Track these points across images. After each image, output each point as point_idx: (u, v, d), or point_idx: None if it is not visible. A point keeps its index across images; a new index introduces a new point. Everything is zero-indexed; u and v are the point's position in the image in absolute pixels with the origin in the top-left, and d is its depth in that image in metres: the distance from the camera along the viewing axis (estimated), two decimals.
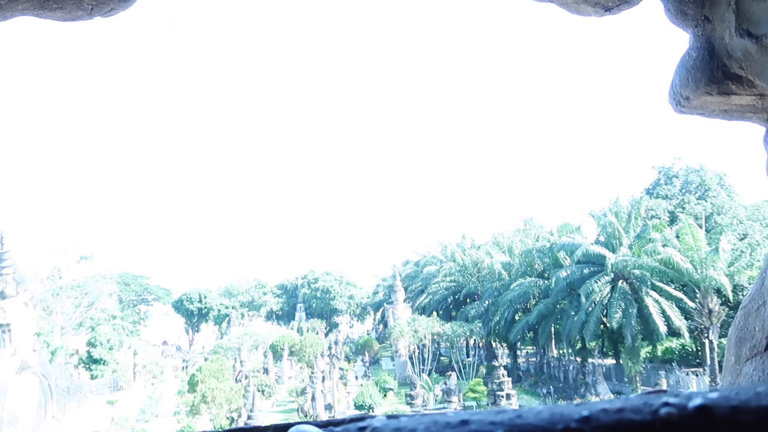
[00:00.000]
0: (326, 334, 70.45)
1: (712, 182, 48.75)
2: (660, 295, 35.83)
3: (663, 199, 48.26)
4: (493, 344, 51.14)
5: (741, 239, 39.35)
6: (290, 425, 1.02)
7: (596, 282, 36.57)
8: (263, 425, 1.09)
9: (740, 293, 34.28)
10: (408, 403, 36.67)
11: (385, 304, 64.32)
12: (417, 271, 64.47)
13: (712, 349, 32.07)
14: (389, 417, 0.98)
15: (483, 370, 45.66)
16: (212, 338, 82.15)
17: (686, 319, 35.10)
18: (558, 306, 40.81)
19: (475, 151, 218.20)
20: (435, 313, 53.20)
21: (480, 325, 45.15)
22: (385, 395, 39.06)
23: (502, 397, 32.38)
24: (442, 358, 52.93)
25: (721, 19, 2.84)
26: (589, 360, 40.22)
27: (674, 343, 40.06)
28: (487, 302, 46.64)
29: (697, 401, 0.85)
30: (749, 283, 33.85)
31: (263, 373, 48.37)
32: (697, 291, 33.74)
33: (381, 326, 72.41)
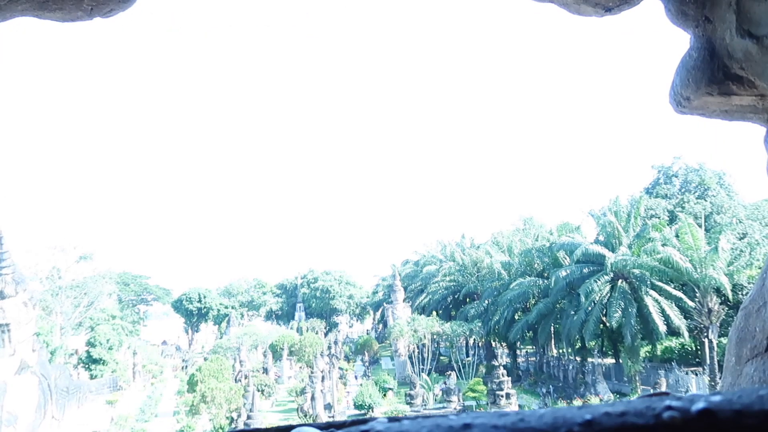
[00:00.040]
0: (326, 334, 70.51)
1: (712, 181, 48.77)
2: (659, 295, 35.85)
3: (662, 199, 48.29)
4: (493, 344, 51.14)
5: (740, 238, 39.37)
6: (291, 427, 1.01)
7: (596, 281, 36.59)
8: (264, 427, 1.09)
9: (740, 292, 34.31)
10: (407, 403, 36.65)
11: (384, 303, 64.34)
12: (416, 271, 64.45)
13: (711, 349, 32.09)
14: (391, 419, 0.96)
15: (482, 369, 45.71)
16: (212, 338, 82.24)
17: (686, 318, 35.12)
18: (557, 305, 40.81)
19: (474, 150, 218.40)
20: (434, 313, 53.23)
21: (479, 324, 45.13)
22: (384, 395, 39.06)
23: (502, 396, 32.32)
24: (441, 357, 52.95)
25: (722, 19, 2.84)
26: (589, 359, 40.24)
27: (674, 343, 40.13)
28: (486, 302, 46.66)
29: (700, 405, 0.85)
30: (749, 283, 33.87)
31: (263, 372, 48.38)
32: (696, 290, 33.74)
33: (380, 326, 72.42)
